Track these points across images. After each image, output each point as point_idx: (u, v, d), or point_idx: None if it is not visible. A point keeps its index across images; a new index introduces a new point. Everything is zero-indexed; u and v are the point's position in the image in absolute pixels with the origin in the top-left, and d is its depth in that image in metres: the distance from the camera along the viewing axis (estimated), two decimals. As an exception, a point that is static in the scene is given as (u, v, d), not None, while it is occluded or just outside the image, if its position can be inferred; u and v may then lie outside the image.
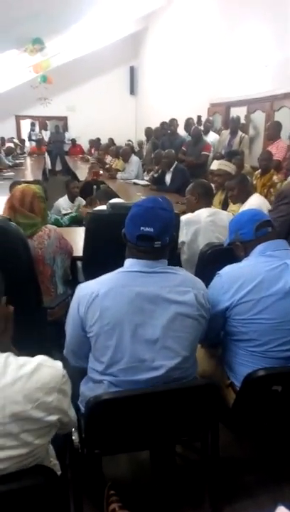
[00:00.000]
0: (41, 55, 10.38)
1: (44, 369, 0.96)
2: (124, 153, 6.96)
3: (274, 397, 1.55)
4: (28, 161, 10.34)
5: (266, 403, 1.61)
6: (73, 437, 1.46)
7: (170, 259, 1.48)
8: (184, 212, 2.81)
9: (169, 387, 1.39)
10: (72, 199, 4.70)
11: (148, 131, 8.47)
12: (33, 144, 12.57)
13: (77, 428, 1.47)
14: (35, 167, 9.26)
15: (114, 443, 1.50)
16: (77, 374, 1.50)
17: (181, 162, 5.88)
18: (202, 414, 1.52)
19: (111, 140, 11.09)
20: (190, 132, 6.76)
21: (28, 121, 13.61)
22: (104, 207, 2.67)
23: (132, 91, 13.75)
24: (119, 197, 4.00)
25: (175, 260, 2.40)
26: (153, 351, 1.38)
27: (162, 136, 7.56)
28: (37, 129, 13.48)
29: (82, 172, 7.69)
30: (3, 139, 11.54)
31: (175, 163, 5.50)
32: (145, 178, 6.61)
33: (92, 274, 1.54)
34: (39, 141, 12.36)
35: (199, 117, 7.93)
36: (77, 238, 2.87)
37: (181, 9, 9.51)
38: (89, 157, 10.50)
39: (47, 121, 13.73)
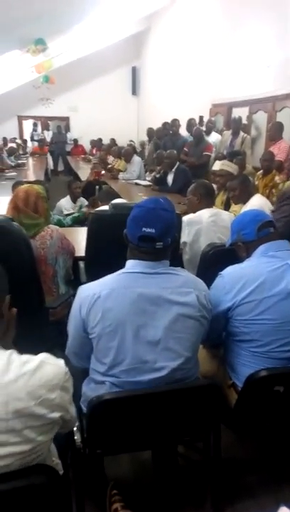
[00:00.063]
0: (43, 55, 10.40)
1: (47, 366, 0.97)
2: (126, 154, 6.96)
3: (276, 398, 1.55)
4: (30, 161, 10.35)
5: (268, 404, 1.61)
6: (75, 437, 1.46)
7: (172, 260, 1.48)
8: (185, 213, 2.81)
9: (171, 387, 1.39)
10: (74, 199, 4.71)
11: (150, 132, 8.47)
12: (35, 144, 12.58)
13: (79, 428, 1.47)
14: (37, 167, 9.27)
15: (116, 443, 1.50)
16: (78, 374, 1.50)
17: (183, 162, 5.88)
18: (204, 415, 1.52)
19: (113, 140, 11.10)
20: (192, 133, 6.76)
21: (31, 121, 13.63)
22: (106, 207, 2.68)
23: (134, 91, 13.75)
24: (121, 197, 4.00)
25: (177, 261, 2.40)
26: (155, 352, 1.38)
27: (164, 136, 7.56)
28: (39, 129, 13.51)
29: (84, 172, 7.70)
30: (5, 139, 11.57)
31: (177, 163, 5.51)
32: (147, 178, 6.61)
33: (94, 274, 1.55)
34: (41, 142, 12.38)
35: (201, 118, 7.93)
36: (79, 238, 2.87)
37: (183, 10, 9.51)
38: (91, 157, 10.51)
39: (49, 122, 13.73)
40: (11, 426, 0.90)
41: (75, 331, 1.46)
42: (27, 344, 1.06)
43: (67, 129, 13.81)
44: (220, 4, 7.88)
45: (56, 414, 0.97)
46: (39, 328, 2.01)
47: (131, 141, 11.36)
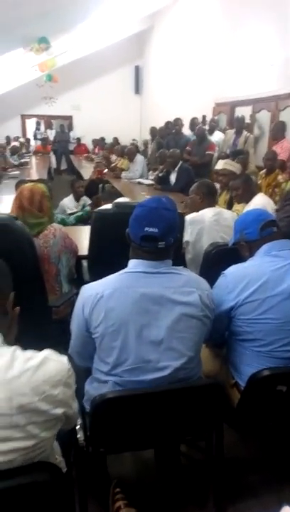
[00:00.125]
0: (47, 54, 10.40)
1: (50, 362, 0.98)
2: (130, 153, 6.96)
3: (279, 397, 1.55)
4: (33, 160, 10.36)
5: (271, 403, 1.61)
6: (78, 435, 1.46)
7: (174, 259, 1.48)
8: (184, 213, 2.81)
9: (174, 386, 1.39)
10: (77, 198, 4.71)
11: (153, 131, 8.47)
12: (38, 143, 12.59)
13: (82, 426, 1.48)
14: (40, 166, 9.28)
15: (119, 441, 1.50)
16: (82, 373, 1.50)
17: (186, 162, 5.88)
18: (206, 414, 1.52)
19: (115, 139, 11.09)
20: (195, 132, 6.75)
21: (34, 120, 13.64)
22: (109, 206, 2.68)
23: (137, 90, 13.75)
24: (123, 196, 4.00)
25: (179, 260, 2.40)
26: (158, 352, 1.38)
27: (167, 135, 7.56)
28: (42, 128, 13.52)
29: (87, 171, 7.70)
30: (8, 137, 11.59)
31: (180, 162, 5.50)
32: (150, 177, 6.61)
33: (97, 273, 1.55)
34: (44, 140, 12.39)
35: (204, 117, 7.92)
36: (82, 237, 2.88)
37: (186, 8, 9.50)
38: (94, 156, 10.51)
39: (52, 121, 13.75)
40: (15, 421, 0.91)
41: (78, 331, 1.46)
42: (30, 342, 1.06)
43: (70, 127, 13.81)
44: (223, 3, 7.87)
45: (59, 410, 0.97)
46: (42, 326, 2.02)
47: (134, 140, 11.36)
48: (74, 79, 12.49)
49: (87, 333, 1.42)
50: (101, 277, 1.45)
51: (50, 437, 1.00)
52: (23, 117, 13.71)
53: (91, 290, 1.40)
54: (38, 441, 0.95)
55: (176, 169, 5.44)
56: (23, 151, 10.98)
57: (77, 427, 1.46)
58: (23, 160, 9.43)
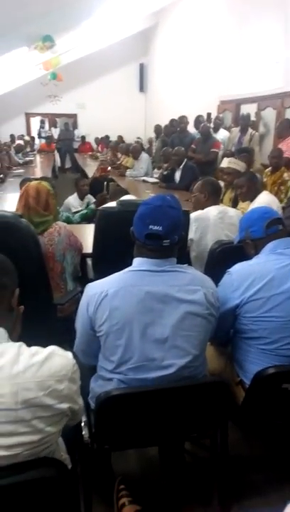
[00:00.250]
0: (51, 52, 10.37)
1: (55, 358, 0.99)
2: (134, 151, 6.96)
3: (284, 396, 1.54)
4: (38, 158, 10.38)
5: (276, 401, 1.60)
6: (83, 432, 1.47)
7: (179, 257, 1.48)
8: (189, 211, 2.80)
9: (179, 384, 1.39)
10: (81, 197, 4.71)
11: (158, 129, 8.45)
12: (43, 141, 12.61)
13: (87, 423, 1.48)
14: (44, 164, 9.30)
15: (124, 439, 1.51)
16: (86, 371, 1.51)
17: (190, 159, 5.87)
18: (211, 412, 1.52)
19: (120, 137, 11.09)
20: (199, 129, 6.73)
21: (38, 118, 13.67)
22: (114, 204, 2.68)
23: (142, 88, 13.73)
24: (130, 194, 3.99)
25: (184, 258, 2.40)
26: (163, 350, 1.38)
27: (171, 133, 7.54)
28: (46, 126, 13.54)
29: (92, 169, 7.70)
30: (13, 136, 11.62)
31: (185, 160, 5.49)
32: (155, 175, 6.60)
33: (101, 270, 1.55)
34: (49, 139, 12.40)
35: (209, 114, 7.89)
36: (87, 235, 2.88)
37: (191, 6, 9.46)
38: (99, 154, 10.51)
39: (56, 119, 13.76)
40: (20, 416, 0.92)
41: (83, 329, 1.46)
42: (35, 340, 1.07)
43: (75, 126, 13.83)
44: (228, 0, 7.83)
45: (64, 405, 0.98)
46: (47, 324, 2.02)
47: (139, 138, 11.34)
48: (79, 77, 12.49)
49: (92, 331, 1.42)
50: (105, 275, 1.45)
51: (56, 432, 1.01)
52: (28, 116, 13.73)
53: (95, 288, 1.40)
54: (43, 436, 0.96)
55: (181, 167, 5.44)
56: (28, 149, 11.01)
57: (82, 424, 1.47)
58: (27, 158, 9.46)
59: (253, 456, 2.01)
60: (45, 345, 1.03)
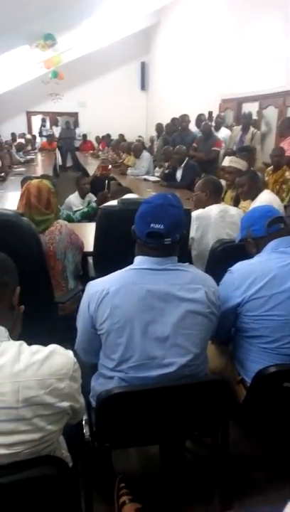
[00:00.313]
0: (52, 50, 10.37)
1: (56, 356, 0.99)
2: (136, 149, 6.95)
3: (285, 394, 1.54)
4: (39, 156, 10.37)
5: (277, 400, 1.60)
6: (84, 431, 1.47)
7: (180, 256, 1.48)
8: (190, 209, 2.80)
9: (180, 382, 1.39)
10: (82, 195, 4.71)
11: (159, 127, 8.45)
12: (44, 139, 12.60)
13: (88, 421, 1.48)
14: (45, 163, 9.30)
15: (125, 437, 1.51)
16: (87, 369, 1.51)
17: (192, 158, 5.86)
18: (212, 410, 1.52)
19: (121, 136, 11.07)
20: (201, 128, 6.72)
21: (39, 117, 13.67)
22: (115, 202, 2.68)
23: (143, 86, 13.70)
24: (132, 192, 3.99)
25: (186, 257, 2.40)
26: (164, 349, 1.38)
27: (173, 132, 7.53)
28: (48, 124, 13.53)
29: (93, 168, 7.69)
30: (14, 134, 11.62)
31: (187, 159, 5.49)
32: (156, 174, 6.60)
33: (103, 269, 1.55)
34: (50, 137, 12.39)
35: (210, 113, 7.88)
36: (88, 233, 2.88)
37: (193, 4, 9.43)
38: (100, 153, 10.51)
39: (58, 117, 13.74)
40: (21, 414, 0.92)
41: (84, 327, 1.46)
42: (36, 339, 1.07)
43: (76, 124, 13.81)
44: (230, -2, 7.82)
45: (65, 404, 0.98)
46: (48, 322, 2.02)
47: (140, 136, 11.33)
48: (80, 75, 12.47)
49: (93, 329, 1.42)
50: (106, 274, 1.45)
51: (57, 431, 1.01)
52: (29, 114, 13.73)
53: (97, 287, 1.40)
54: (44, 434, 0.96)
55: (182, 166, 5.43)
56: (29, 147, 11.01)
57: (83, 422, 1.47)
58: (28, 157, 9.46)
59: (254, 454, 2.01)
60: (46, 344, 1.03)
